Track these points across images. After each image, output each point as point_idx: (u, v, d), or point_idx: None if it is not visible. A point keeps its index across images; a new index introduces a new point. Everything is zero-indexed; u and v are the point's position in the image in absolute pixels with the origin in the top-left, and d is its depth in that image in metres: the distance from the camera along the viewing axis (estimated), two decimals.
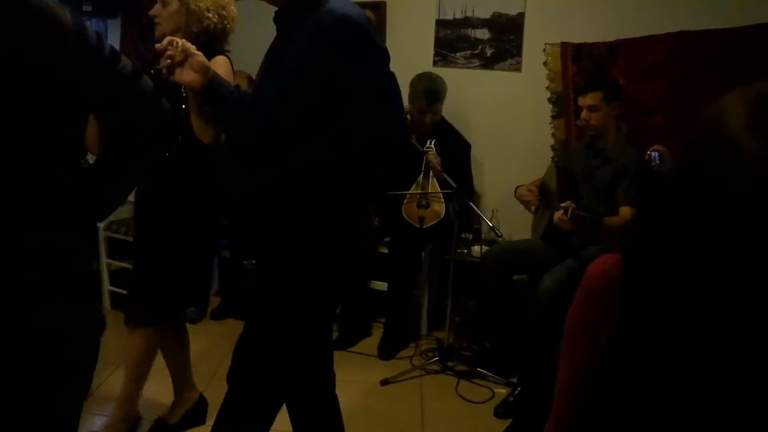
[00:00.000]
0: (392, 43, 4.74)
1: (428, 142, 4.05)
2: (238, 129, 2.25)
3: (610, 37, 4.07)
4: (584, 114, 3.65)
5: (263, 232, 2.21)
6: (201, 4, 2.66)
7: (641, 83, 3.91)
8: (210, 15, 2.67)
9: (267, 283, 2.21)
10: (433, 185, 4.03)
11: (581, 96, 3.69)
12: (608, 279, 1.21)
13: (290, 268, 2.12)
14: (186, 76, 2.07)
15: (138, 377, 3.01)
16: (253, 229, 2.35)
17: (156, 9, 2.70)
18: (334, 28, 1.92)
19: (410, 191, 4.09)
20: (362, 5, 4.70)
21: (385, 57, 2.05)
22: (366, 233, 2.29)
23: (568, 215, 3.26)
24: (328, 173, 2.02)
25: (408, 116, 4.06)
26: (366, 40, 1.96)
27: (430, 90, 4.20)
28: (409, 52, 4.70)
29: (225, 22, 2.73)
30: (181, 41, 2.06)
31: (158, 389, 3.23)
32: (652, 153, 3.27)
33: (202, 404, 3.19)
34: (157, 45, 2.07)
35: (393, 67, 4.67)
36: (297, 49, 1.99)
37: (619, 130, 3.74)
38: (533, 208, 3.89)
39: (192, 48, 2.07)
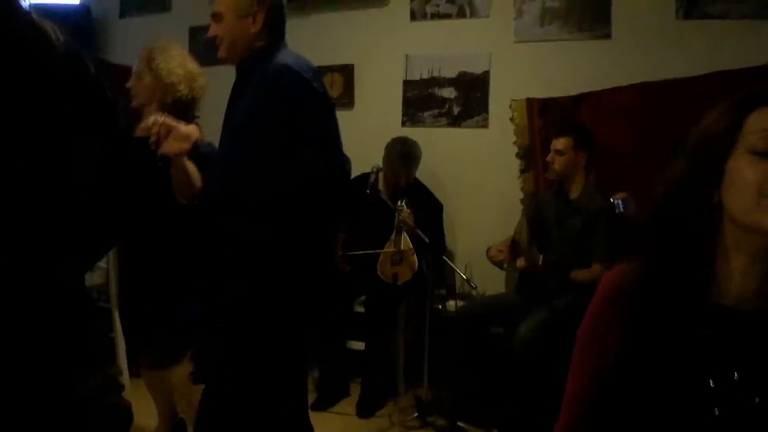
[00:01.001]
0: (361, 105, 4.87)
1: (399, 201, 4.07)
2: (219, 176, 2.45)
3: (574, 91, 4.17)
4: (550, 156, 3.73)
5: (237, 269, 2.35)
6: (174, 78, 2.82)
7: (606, 129, 3.98)
8: (181, 87, 2.83)
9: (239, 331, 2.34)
10: (405, 242, 4.05)
11: (555, 138, 3.76)
12: (618, 288, 1.22)
13: (262, 300, 2.28)
14: (172, 147, 2.31)
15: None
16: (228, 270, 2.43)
17: (131, 82, 2.87)
18: (274, 75, 2.25)
19: (383, 250, 4.10)
20: (330, 68, 4.89)
21: (322, 101, 2.32)
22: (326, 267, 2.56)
23: (539, 262, 3.32)
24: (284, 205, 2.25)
25: (378, 175, 4.11)
26: (302, 85, 2.25)
27: (404, 153, 4.27)
28: (378, 112, 4.80)
29: (195, 93, 2.89)
30: (161, 118, 2.31)
31: None
32: (616, 201, 3.35)
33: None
34: (141, 126, 2.30)
35: (362, 127, 4.81)
36: (250, 92, 2.31)
37: (590, 181, 3.81)
38: (505, 266, 3.92)
39: (172, 122, 2.31)
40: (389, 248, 4.09)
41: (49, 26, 1.39)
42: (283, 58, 2.32)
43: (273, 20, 2.40)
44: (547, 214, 3.85)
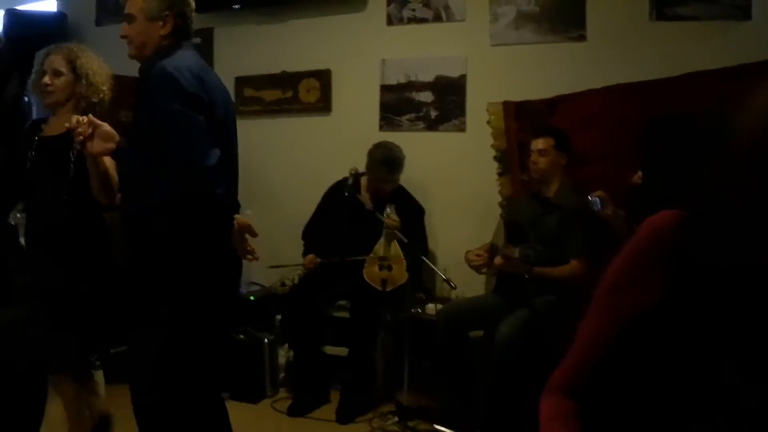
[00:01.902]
0: (338, 109, 4.88)
1: (387, 207, 4.06)
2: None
3: (550, 94, 4.19)
4: (533, 156, 3.77)
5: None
6: (98, 79, 2.88)
7: (580, 133, 4.00)
8: (104, 88, 2.90)
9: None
10: (395, 248, 4.03)
11: (534, 139, 3.81)
12: (670, 234, 1.14)
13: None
14: (97, 147, 2.36)
15: None
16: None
17: (49, 78, 2.86)
18: (151, 75, 2.33)
19: (370, 256, 4.09)
20: (307, 74, 4.88)
21: (189, 100, 2.30)
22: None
23: (516, 255, 3.34)
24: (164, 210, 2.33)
25: (357, 179, 4.11)
26: (166, 81, 2.28)
27: (389, 159, 4.25)
28: (355, 117, 4.81)
29: (109, 95, 2.94)
30: (86, 117, 2.35)
31: None
32: (593, 199, 3.38)
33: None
34: (67, 125, 2.39)
35: (339, 132, 4.81)
36: (139, 100, 2.41)
37: (566, 181, 3.83)
38: (483, 270, 3.93)
39: (96, 120, 2.35)
40: (377, 254, 4.07)
41: None
42: (169, 60, 2.36)
43: (181, 25, 2.48)
44: (523, 216, 3.87)
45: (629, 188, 2.76)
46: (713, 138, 1.81)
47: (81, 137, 2.31)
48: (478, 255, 3.86)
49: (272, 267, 4.43)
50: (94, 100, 2.87)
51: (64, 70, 2.83)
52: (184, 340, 2.44)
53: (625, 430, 1.20)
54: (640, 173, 2.42)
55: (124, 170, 2.47)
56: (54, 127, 2.84)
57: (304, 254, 4.38)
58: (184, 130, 2.30)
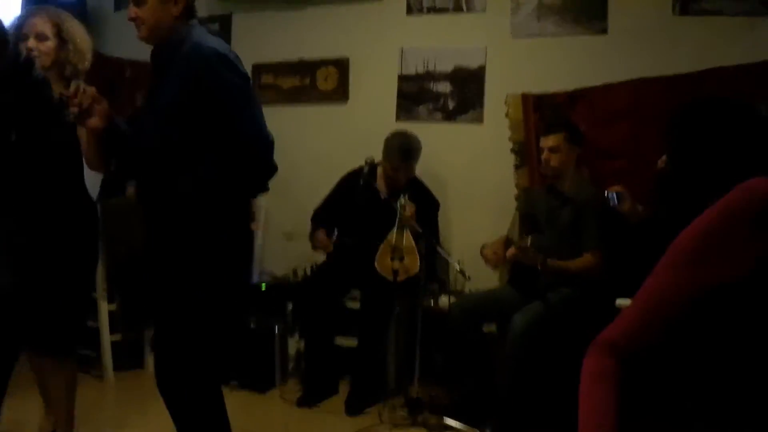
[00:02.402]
0: (356, 99, 4.84)
1: (402, 196, 4.01)
2: (132, 155, 2.51)
3: (570, 87, 4.14)
4: (545, 154, 3.71)
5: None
6: (84, 45, 2.81)
7: (602, 129, 3.97)
8: (89, 56, 2.83)
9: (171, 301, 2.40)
10: (407, 238, 3.97)
11: (543, 137, 3.75)
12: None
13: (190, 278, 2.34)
14: (92, 122, 2.33)
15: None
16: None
17: (32, 42, 2.73)
18: (199, 56, 2.29)
19: (383, 244, 4.03)
20: (325, 62, 4.86)
21: (247, 80, 2.40)
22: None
23: (528, 243, 3.31)
24: (215, 185, 2.31)
25: (372, 168, 4.06)
26: (224, 63, 2.30)
27: (405, 148, 4.19)
28: (373, 106, 4.77)
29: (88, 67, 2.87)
30: (90, 88, 2.28)
31: None
32: (610, 194, 3.32)
33: None
34: (64, 92, 2.29)
35: (356, 121, 4.77)
36: (174, 79, 2.32)
37: (580, 173, 3.78)
38: (498, 267, 3.89)
39: (99, 96, 2.31)
40: (390, 243, 4.02)
41: None
42: (204, 39, 2.38)
43: (191, 2, 2.46)
44: (538, 210, 3.83)
45: (654, 173, 2.73)
46: (745, 119, 1.78)
47: (76, 108, 2.25)
48: (494, 252, 3.81)
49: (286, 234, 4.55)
50: (80, 67, 2.79)
51: (49, 33, 2.71)
52: (215, 324, 2.44)
53: (674, 406, 1.15)
54: (665, 157, 2.36)
55: (150, 147, 2.38)
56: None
57: (312, 233, 4.33)
58: (251, 104, 2.35)
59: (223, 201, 2.37)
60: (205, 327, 2.41)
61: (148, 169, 2.43)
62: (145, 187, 2.52)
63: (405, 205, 3.92)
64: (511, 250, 3.50)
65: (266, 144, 2.36)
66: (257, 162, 2.36)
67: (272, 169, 2.40)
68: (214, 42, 2.38)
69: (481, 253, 3.81)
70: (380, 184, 4.22)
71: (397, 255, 3.92)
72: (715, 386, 1.12)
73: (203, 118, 2.27)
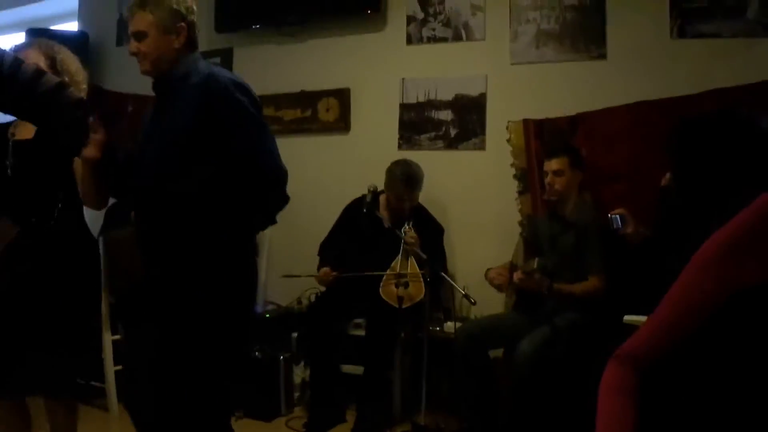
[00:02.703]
0: (357, 128, 4.87)
1: (406, 224, 4.03)
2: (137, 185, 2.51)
3: (571, 112, 4.17)
4: (549, 178, 3.73)
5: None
6: (80, 77, 2.77)
7: (603, 152, 3.99)
8: (84, 87, 2.79)
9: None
10: (412, 266, 3.99)
11: (547, 161, 3.77)
12: None
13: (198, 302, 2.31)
14: (87, 152, 2.38)
15: None
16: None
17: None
18: (225, 90, 2.32)
19: (388, 272, 4.04)
20: (327, 93, 4.89)
21: (261, 110, 2.46)
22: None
23: (535, 265, 3.30)
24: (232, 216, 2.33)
25: (374, 196, 4.08)
26: (243, 93, 2.35)
27: (408, 176, 4.21)
28: (374, 136, 4.80)
29: None
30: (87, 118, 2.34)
31: None
32: (613, 216, 3.33)
33: None
34: None
35: (358, 150, 4.81)
36: (185, 109, 2.34)
37: (582, 198, 3.79)
38: (504, 289, 3.88)
39: (95, 125, 2.36)
40: (394, 271, 4.03)
41: None
42: (218, 70, 2.46)
43: (193, 35, 2.48)
44: (541, 236, 3.84)
45: (657, 190, 2.75)
46: (747, 132, 1.78)
47: None
48: (499, 273, 3.81)
49: (286, 276, 4.45)
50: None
51: (43, 65, 2.58)
52: (224, 355, 2.44)
53: (694, 419, 1.13)
54: (668, 175, 2.38)
55: (157, 175, 2.37)
56: (28, 130, 2.66)
57: (319, 268, 4.34)
58: (267, 134, 2.41)
59: (237, 232, 2.40)
60: (215, 358, 2.39)
61: (155, 200, 2.42)
62: (149, 218, 2.49)
63: (409, 232, 3.94)
64: (518, 275, 3.50)
65: (283, 174, 2.39)
66: (275, 193, 2.39)
67: (286, 200, 2.44)
68: (227, 72, 2.45)
69: (486, 276, 3.82)
70: (383, 213, 4.24)
71: (401, 282, 3.92)
72: (735, 398, 1.11)
73: (217, 147, 2.29)
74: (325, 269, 4.28)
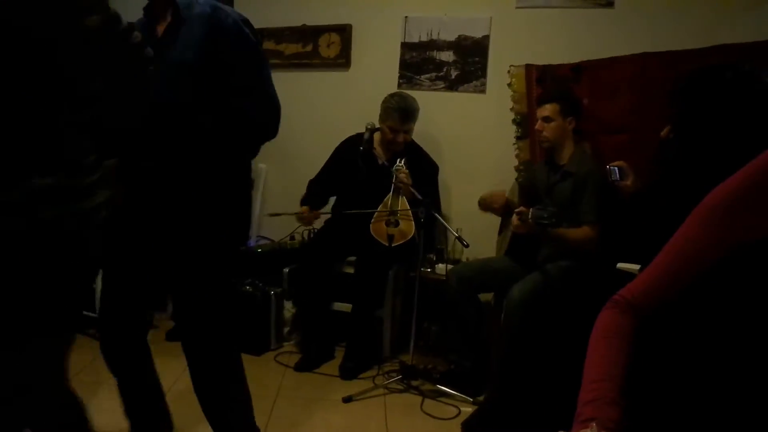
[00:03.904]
0: (358, 66, 4.81)
1: (398, 161, 4.01)
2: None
3: (574, 60, 4.12)
4: (538, 124, 3.73)
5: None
6: None
7: (605, 102, 3.95)
8: None
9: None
10: (402, 203, 3.97)
11: (539, 107, 3.75)
12: None
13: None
14: None
15: None
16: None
17: None
18: (235, 24, 2.36)
19: (378, 209, 4.04)
20: (328, 28, 4.81)
21: (261, 44, 2.53)
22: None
23: (529, 216, 3.28)
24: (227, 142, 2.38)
25: (372, 135, 4.05)
26: (253, 31, 2.41)
27: (402, 108, 4.17)
28: (375, 74, 4.74)
29: None
30: None
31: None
32: (612, 168, 3.31)
33: None
34: None
35: (358, 88, 4.72)
36: (193, 39, 2.33)
37: (581, 147, 3.78)
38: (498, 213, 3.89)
39: None
40: (385, 208, 4.03)
41: None
42: (221, 5, 2.44)
43: None
44: (538, 183, 3.83)
45: (658, 144, 2.73)
46: (749, 87, 1.77)
47: None
48: (494, 194, 3.84)
49: (271, 215, 4.50)
50: None
51: None
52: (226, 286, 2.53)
53: (687, 365, 1.13)
54: (668, 128, 2.35)
55: (164, 102, 2.31)
56: None
57: (303, 200, 4.33)
58: (267, 67, 2.48)
59: (242, 161, 2.48)
60: (222, 279, 2.48)
61: (168, 128, 2.37)
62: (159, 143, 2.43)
63: (401, 168, 3.93)
64: (515, 219, 3.48)
65: (279, 107, 2.46)
66: (274, 123, 2.46)
67: (276, 132, 2.49)
68: (229, 6, 2.46)
69: (480, 200, 3.84)
70: (378, 149, 4.22)
71: (392, 220, 3.93)
72: (731, 350, 1.11)
73: (223, 79, 2.33)
74: (305, 208, 4.27)
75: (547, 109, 3.73)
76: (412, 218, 3.93)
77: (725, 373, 1.09)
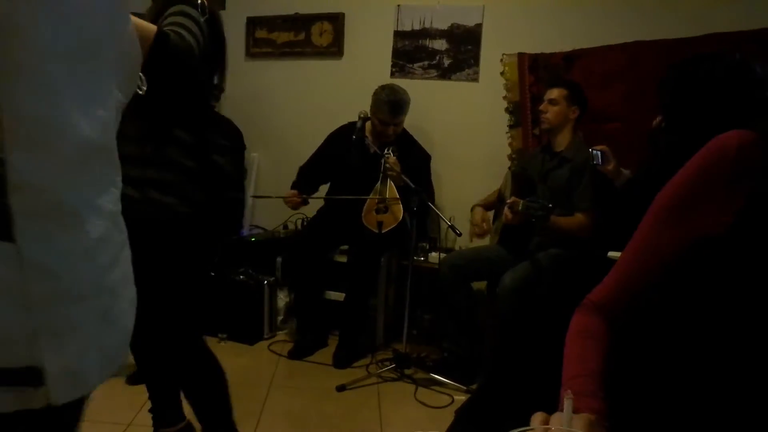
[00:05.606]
0: (350, 54, 4.80)
1: (387, 149, 4.01)
2: None
3: (566, 48, 4.12)
4: (543, 105, 3.74)
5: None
6: None
7: (597, 91, 3.95)
8: None
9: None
10: (391, 190, 3.98)
11: (548, 89, 3.76)
12: (743, 151, 1.04)
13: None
14: None
15: None
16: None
17: None
18: None
19: (368, 197, 4.04)
20: (320, 17, 4.79)
21: None
22: None
23: (519, 208, 3.29)
24: None
25: (364, 123, 4.06)
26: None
27: (393, 101, 4.16)
28: (367, 62, 4.73)
29: None
30: None
31: None
32: (595, 152, 3.32)
33: None
34: None
35: (351, 77, 4.72)
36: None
37: (577, 136, 3.79)
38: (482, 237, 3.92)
39: None
40: (375, 196, 4.03)
41: None
42: None
43: None
44: (532, 170, 3.84)
45: (649, 132, 2.75)
46: (738, 76, 1.77)
47: None
48: (484, 221, 3.85)
49: (255, 197, 4.58)
50: None
51: None
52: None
53: (658, 363, 1.13)
54: (660, 118, 2.36)
55: None
56: None
57: (293, 185, 4.34)
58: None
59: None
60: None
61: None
62: None
63: (389, 155, 3.93)
64: (507, 212, 3.48)
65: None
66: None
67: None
68: None
69: (471, 218, 3.86)
70: (369, 138, 4.22)
71: (381, 207, 3.94)
72: (699, 346, 1.11)
73: None
74: (293, 191, 4.27)
75: (554, 92, 3.75)
76: (399, 203, 3.94)
77: (698, 370, 1.09)
